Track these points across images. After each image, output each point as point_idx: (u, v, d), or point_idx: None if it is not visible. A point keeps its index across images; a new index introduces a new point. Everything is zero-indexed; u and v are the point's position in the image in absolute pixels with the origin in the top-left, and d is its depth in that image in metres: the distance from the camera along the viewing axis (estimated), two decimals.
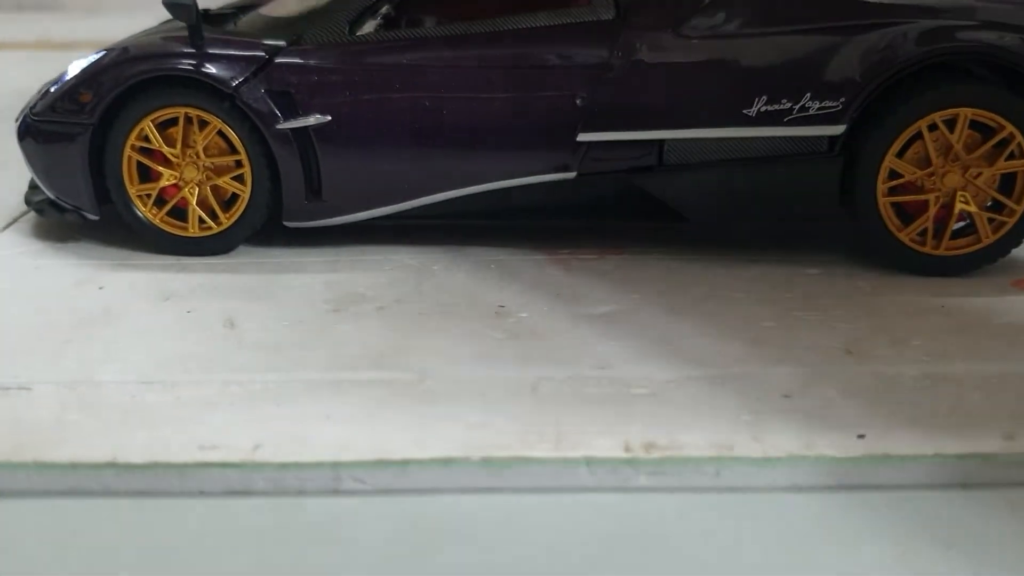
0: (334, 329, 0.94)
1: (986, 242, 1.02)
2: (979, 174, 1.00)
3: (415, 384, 0.84)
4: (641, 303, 0.98)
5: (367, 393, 0.83)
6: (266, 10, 1.22)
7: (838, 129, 1.01)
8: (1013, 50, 0.98)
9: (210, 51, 1.08)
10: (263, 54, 1.08)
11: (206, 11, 1.23)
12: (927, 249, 1.03)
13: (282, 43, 1.09)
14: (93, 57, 1.13)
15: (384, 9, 1.15)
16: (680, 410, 0.79)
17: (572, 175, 1.05)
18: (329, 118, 1.06)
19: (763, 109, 1.01)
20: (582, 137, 1.03)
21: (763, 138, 1.02)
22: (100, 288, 1.04)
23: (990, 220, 1.02)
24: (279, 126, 1.06)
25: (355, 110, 1.07)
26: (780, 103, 1.00)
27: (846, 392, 0.81)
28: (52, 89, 1.13)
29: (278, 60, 1.08)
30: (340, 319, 0.96)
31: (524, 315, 0.96)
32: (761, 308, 0.97)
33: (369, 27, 1.11)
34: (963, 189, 1.01)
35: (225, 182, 1.10)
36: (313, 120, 1.06)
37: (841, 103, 1.00)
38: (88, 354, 0.90)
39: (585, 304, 0.98)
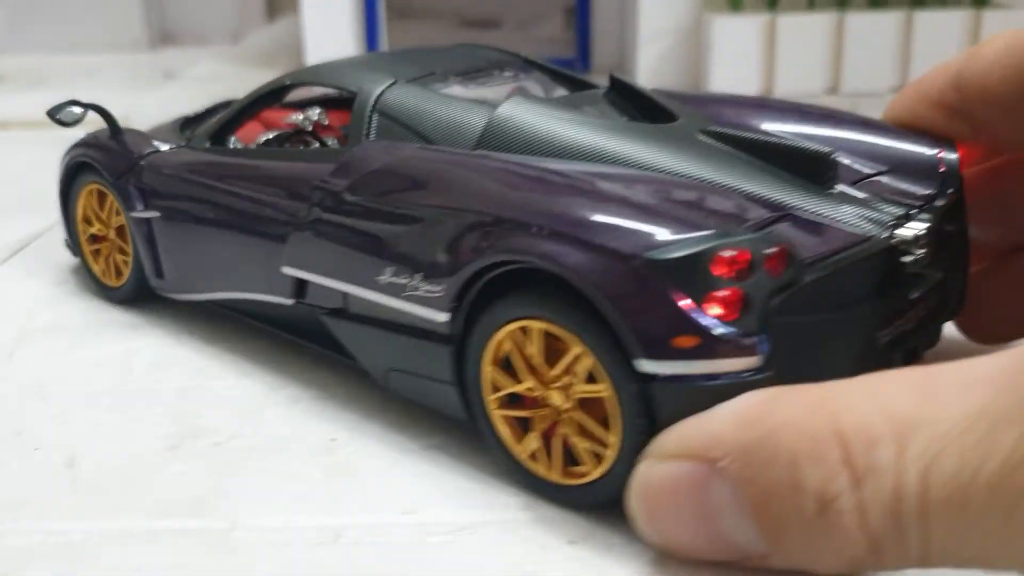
0: (166, 469, 0.98)
1: (595, 475, 0.85)
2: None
3: (225, 534, 0.87)
4: (466, 435, 1.02)
5: (178, 544, 0.86)
6: (219, 118, 1.36)
7: (442, 316, 0.92)
8: (570, 264, 0.81)
9: (114, 146, 1.36)
10: (139, 153, 1.33)
11: (187, 117, 1.49)
12: (543, 471, 0.89)
13: (163, 147, 1.32)
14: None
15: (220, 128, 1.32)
16: (470, 559, 0.83)
17: (290, 302, 1.12)
18: (159, 214, 1.29)
19: (390, 280, 0.97)
20: (285, 270, 1.10)
21: (391, 307, 0.98)
22: None
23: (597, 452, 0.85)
24: (132, 214, 1.31)
25: (172, 211, 1.27)
26: (400, 276, 0.95)
27: (630, 538, 0.84)
28: None
29: (143, 161, 1.32)
30: (174, 457, 1.00)
31: (351, 449, 1.00)
32: None
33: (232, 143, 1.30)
34: (568, 410, 0.86)
35: (121, 246, 1.37)
36: (149, 214, 1.30)
37: (442, 290, 0.92)
38: None
39: (414, 435, 1.02)
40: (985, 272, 1.09)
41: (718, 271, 0.75)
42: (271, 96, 1.30)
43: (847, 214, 0.87)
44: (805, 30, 2.56)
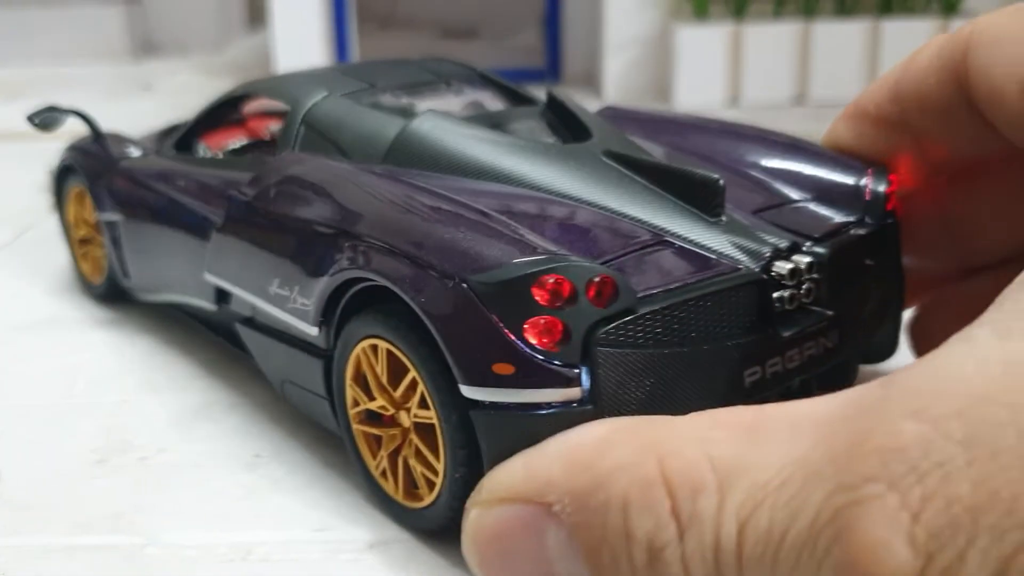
0: (90, 485, 0.99)
1: (428, 501, 0.85)
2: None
3: (139, 550, 0.88)
4: None
5: (93, 560, 0.87)
6: (182, 128, 1.39)
7: (313, 330, 0.92)
8: (405, 284, 0.80)
9: (94, 150, 1.39)
10: (114, 157, 1.36)
11: (176, 124, 1.49)
12: (391, 490, 0.90)
13: (135, 153, 1.37)
14: None
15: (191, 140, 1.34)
16: None
17: (214, 308, 1.14)
18: (122, 217, 1.31)
19: (276, 291, 0.97)
20: (206, 276, 1.11)
21: (278, 318, 0.98)
22: None
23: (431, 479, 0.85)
24: (100, 215, 1.35)
25: (131, 214, 1.30)
26: (284, 288, 0.95)
27: None
28: None
29: (115, 166, 1.35)
30: (100, 472, 1.01)
31: (274, 466, 1.01)
32: None
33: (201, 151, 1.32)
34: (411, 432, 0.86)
35: (97, 245, 1.43)
36: (114, 216, 1.33)
37: (312, 304, 0.91)
38: None
39: (335, 450, 1.03)
40: (938, 300, 1.05)
41: (539, 298, 0.73)
42: (226, 106, 1.34)
43: (723, 244, 0.84)
44: (771, 39, 2.58)
